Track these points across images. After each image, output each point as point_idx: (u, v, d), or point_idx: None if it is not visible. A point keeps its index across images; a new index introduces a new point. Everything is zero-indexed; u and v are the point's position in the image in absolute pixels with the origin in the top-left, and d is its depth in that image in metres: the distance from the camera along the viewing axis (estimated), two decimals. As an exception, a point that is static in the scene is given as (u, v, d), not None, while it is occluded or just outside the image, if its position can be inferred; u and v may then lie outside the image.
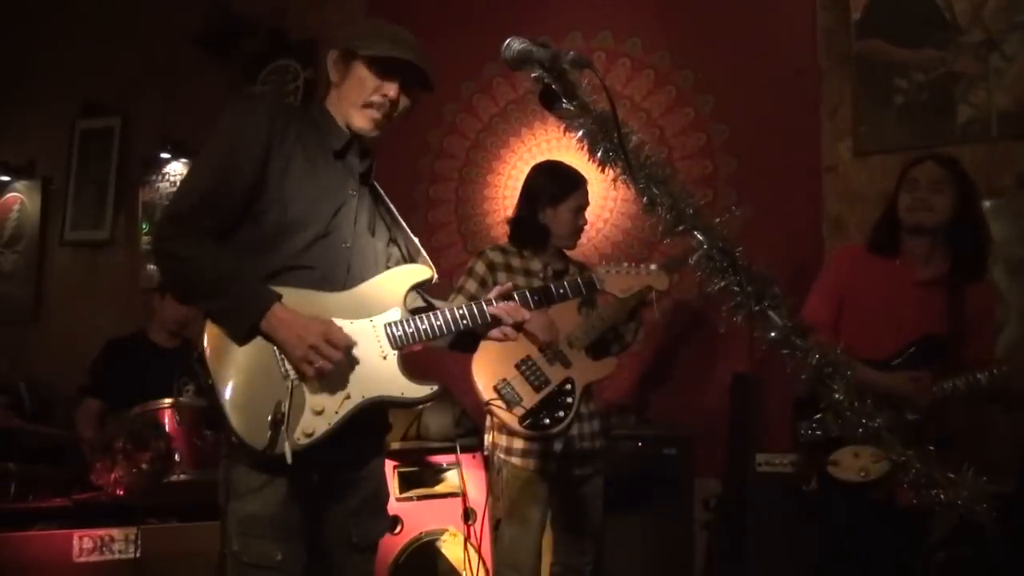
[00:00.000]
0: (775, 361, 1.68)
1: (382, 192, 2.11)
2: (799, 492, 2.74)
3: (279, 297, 1.82)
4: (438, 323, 1.95)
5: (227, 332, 1.81)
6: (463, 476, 3.20)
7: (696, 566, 3.37)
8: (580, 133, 1.59)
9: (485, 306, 1.99)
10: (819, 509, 2.66)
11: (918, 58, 3.49)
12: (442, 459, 3.28)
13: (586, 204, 2.95)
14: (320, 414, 1.82)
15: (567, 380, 2.82)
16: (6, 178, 5.46)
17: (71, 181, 5.26)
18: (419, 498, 3.19)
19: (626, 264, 2.29)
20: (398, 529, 3.10)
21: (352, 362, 1.87)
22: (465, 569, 3.09)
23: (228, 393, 1.79)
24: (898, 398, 2.45)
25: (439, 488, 3.26)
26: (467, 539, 3.14)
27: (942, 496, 1.59)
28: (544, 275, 2.90)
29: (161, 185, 4.99)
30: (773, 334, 1.62)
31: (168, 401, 2.91)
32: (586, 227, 3.01)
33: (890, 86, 3.52)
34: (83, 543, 2.60)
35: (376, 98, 1.94)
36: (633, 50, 4.05)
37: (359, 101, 1.94)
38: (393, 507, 3.08)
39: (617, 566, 3.25)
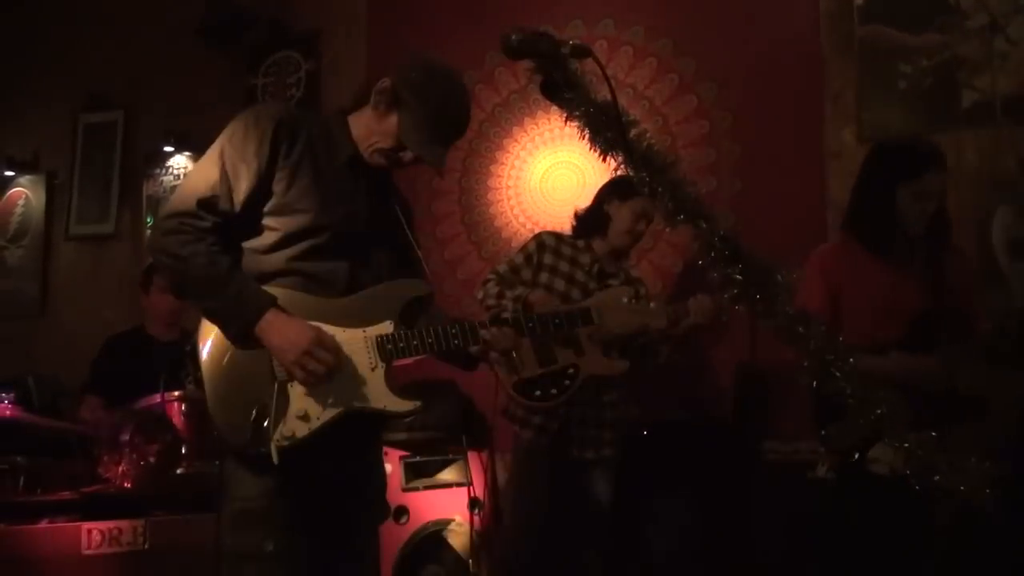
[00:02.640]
0: (779, 349, 1.69)
1: (398, 208, 2.11)
2: (808, 479, 2.76)
3: (275, 301, 1.84)
4: (429, 340, 1.96)
5: (221, 331, 1.85)
6: (469, 466, 3.22)
7: (702, 554, 3.37)
8: (581, 122, 1.59)
9: (478, 328, 1.98)
10: (838, 499, 2.63)
11: (922, 43, 3.46)
12: (449, 449, 3.30)
13: (650, 216, 3.06)
14: (302, 418, 1.85)
15: (572, 365, 2.90)
16: (10, 173, 5.45)
17: (75, 175, 5.26)
18: (426, 488, 3.22)
19: (626, 300, 2.32)
20: (404, 519, 3.12)
21: (340, 370, 1.89)
22: (471, 558, 3.10)
23: (214, 389, 1.83)
24: (912, 380, 2.40)
25: (446, 478, 3.28)
26: (473, 528, 3.16)
27: (946, 482, 1.59)
28: (589, 270, 3.02)
29: (165, 178, 5.00)
30: (775, 322, 1.63)
31: (175, 394, 2.91)
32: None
33: (894, 71, 3.49)
34: (92, 535, 2.61)
35: (391, 154, 1.96)
36: (635, 38, 4.03)
37: (376, 144, 1.96)
38: (400, 497, 3.12)
39: (623, 554, 3.26)
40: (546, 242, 3.07)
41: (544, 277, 3.01)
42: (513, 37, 1.56)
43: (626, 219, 3.06)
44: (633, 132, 1.58)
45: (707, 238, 1.60)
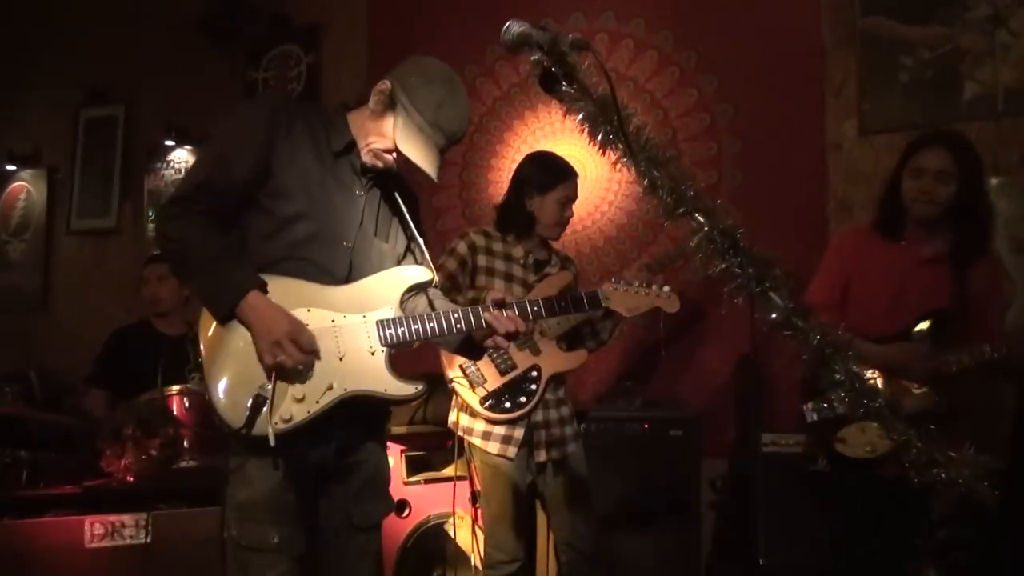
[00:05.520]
0: (779, 342, 1.68)
1: (401, 197, 2.10)
2: (807, 471, 2.74)
3: (260, 284, 1.85)
4: (431, 325, 1.96)
5: (208, 311, 1.86)
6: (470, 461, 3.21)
7: (703, 547, 3.38)
8: (580, 116, 1.57)
9: (481, 312, 1.98)
10: (832, 487, 2.66)
11: (924, 35, 3.44)
12: (450, 443, 3.27)
13: (574, 197, 2.93)
14: (301, 401, 1.85)
15: (534, 367, 2.83)
16: (12, 167, 5.47)
17: (76, 170, 5.28)
18: (427, 482, 3.20)
19: (637, 283, 2.26)
20: (406, 513, 3.11)
21: (339, 355, 1.90)
22: (473, 552, 3.09)
23: (214, 372, 1.84)
24: (896, 368, 2.46)
25: (447, 471, 3.25)
26: (475, 522, 3.14)
27: (943, 475, 1.58)
28: (524, 262, 2.91)
29: (166, 173, 5.00)
30: (774, 315, 1.61)
31: (177, 388, 2.91)
32: (573, 218, 2.97)
33: (895, 64, 3.48)
34: (94, 529, 2.62)
35: (386, 155, 1.97)
36: (636, 31, 4.02)
37: (372, 144, 1.97)
38: (401, 491, 3.11)
39: (624, 547, 3.26)
40: (476, 243, 2.90)
41: (481, 279, 2.86)
42: (512, 30, 1.52)
43: (552, 211, 2.88)
44: (633, 125, 1.57)
45: (706, 232, 1.58)
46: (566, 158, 2.97)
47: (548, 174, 2.91)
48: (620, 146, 1.57)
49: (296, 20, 4.82)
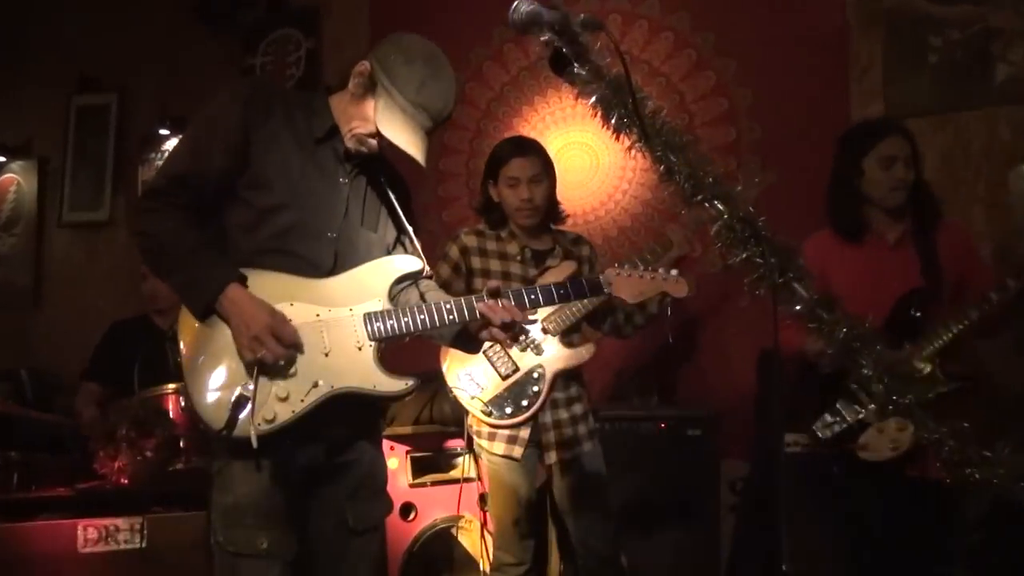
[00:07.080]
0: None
1: (389, 187, 2.05)
2: (830, 472, 2.65)
3: (239, 277, 1.81)
4: (422, 317, 1.90)
5: (186, 307, 1.83)
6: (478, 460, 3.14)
7: (723, 550, 3.29)
8: (593, 99, 1.52)
9: (475, 303, 1.91)
10: (850, 496, 2.60)
11: (953, 14, 3.33)
12: (456, 444, 3.22)
13: (535, 172, 2.78)
14: (284, 400, 1.80)
15: (536, 368, 2.75)
16: (1, 159, 5.37)
17: (68, 160, 5.17)
18: (433, 484, 3.16)
19: (642, 267, 2.16)
20: (412, 516, 3.08)
21: (325, 350, 1.85)
22: (481, 556, 3.04)
23: (194, 372, 1.80)
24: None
25: (454, 473, 3.21)
26: (483, 525, 3.10)
27: (977, 475, 1.52)
28: (521, 258, 2.83)
29: (160, 163, 4.91)
30: (798, 307, 1.55)
31: (172, 387, 2.85)
32: (532, 200, 2.80)
33: (923, 45, 3.38)
34: (88, 533, 2.58)
35: (370, 140, 1.91)
36: (650, 11, 3.92)
37: (355, 129, 1.92)
38: (407, 493, 3.09)
39: (642, 550, 3.17)
40: (468, 244, 2.83)
41: (478, 282, 2.79)
42: (521, 10, 1.47)
43: (507, 196, 2.79)
44: (648, 109, 1.52)
45: (726, 220, 1.52)
46: (531, 138, 2.96)
47: (493, 158, 2.85)
48: (635, 130, 1.51)
49: (295, 2, 4.72)
